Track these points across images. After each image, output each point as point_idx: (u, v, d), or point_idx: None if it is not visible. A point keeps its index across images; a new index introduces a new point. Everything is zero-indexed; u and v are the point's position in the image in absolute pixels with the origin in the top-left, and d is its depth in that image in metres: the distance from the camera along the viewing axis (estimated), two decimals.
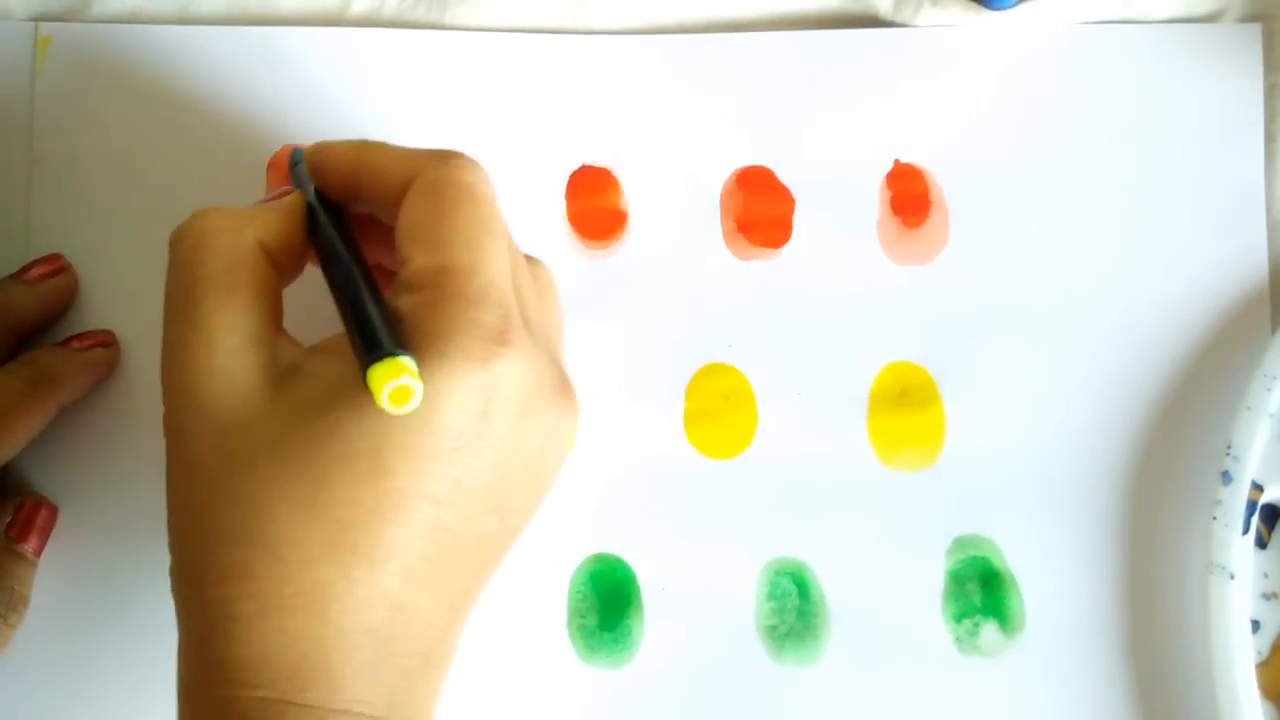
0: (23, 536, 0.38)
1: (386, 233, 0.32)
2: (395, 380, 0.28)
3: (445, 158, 0.32)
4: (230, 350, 0.30)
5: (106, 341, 0.39)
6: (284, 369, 0.31)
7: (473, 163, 0.32)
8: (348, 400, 0.29)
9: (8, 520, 0.38)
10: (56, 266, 0.39)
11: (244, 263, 0.31)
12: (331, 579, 0.29)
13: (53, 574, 0.38)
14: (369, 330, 0.29)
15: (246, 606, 0.29)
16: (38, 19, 0.41)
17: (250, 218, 0.32)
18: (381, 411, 0.28)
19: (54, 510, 0.38)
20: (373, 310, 0.30)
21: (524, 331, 0.30)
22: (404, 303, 0.30)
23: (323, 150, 0.33)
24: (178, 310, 0.31)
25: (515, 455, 0.30)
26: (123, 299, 0.40)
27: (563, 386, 0.32)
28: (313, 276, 0.36)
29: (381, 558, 0.29)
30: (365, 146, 0.33)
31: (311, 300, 0.34)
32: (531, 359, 0.30)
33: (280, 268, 0.33)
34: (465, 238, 0.30)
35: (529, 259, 0.34)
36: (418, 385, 0.28)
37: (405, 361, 0.28)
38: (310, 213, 0.33)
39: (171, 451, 0.31)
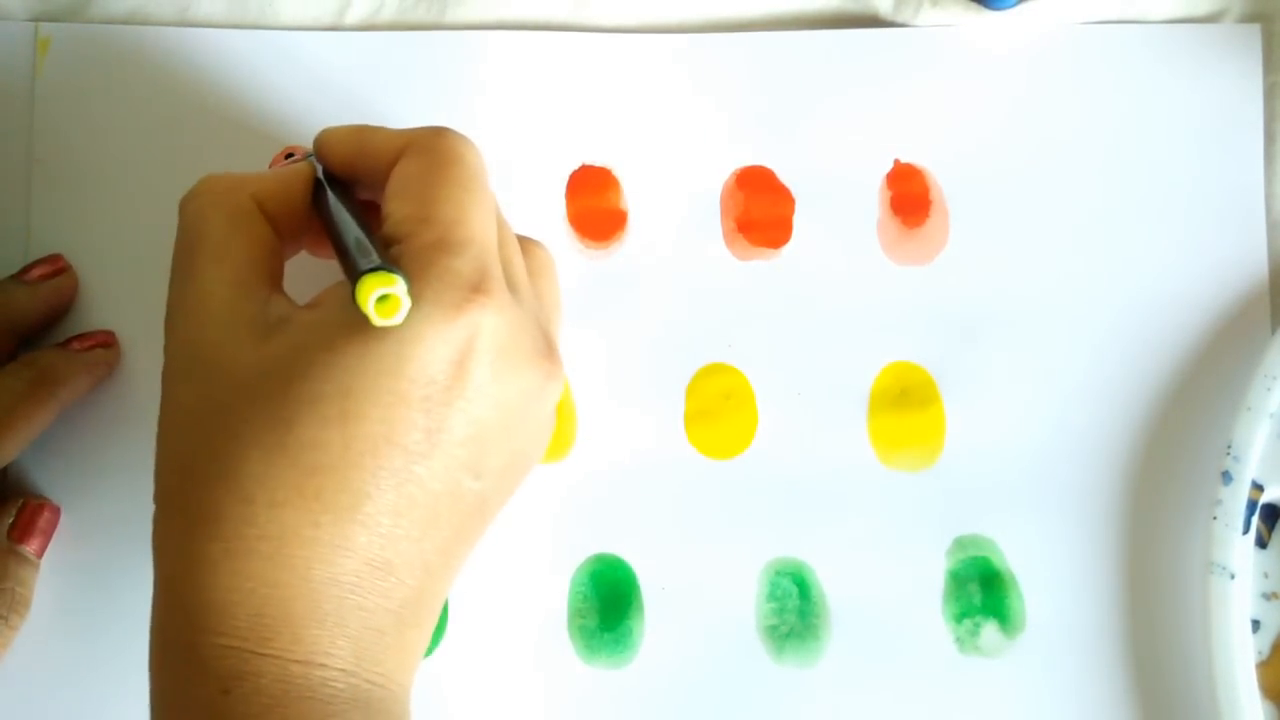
0: (24, 538, 0.38)
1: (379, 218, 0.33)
2: (383, 288, 0.28)
3: (437, 129, 0.33)
4: (221, 301, 0.31)
5: (106, 342, 0.39)
6: (273, 321, 0.31)
7: (463, 136, 0.33)
8: (323, 343, 0.29)
9: (9, 521, 0.38)
10: (57, 267, 0.39)
11: (240, 219, 0.32)
12: (297, 524, 0.29)
13: (52, 574, 0.38)
14: (357, 249, 0.30)
15: (213, 549, 0.29)
16: (38, 19, 0.41)
17: (249, 179, 0.33)
18: (352, 354, 0.29)
19: (56, 511, 0.39)
20: (367, 236, 0.31)
21: (504, 288, 0.31)
22: (386, 254, 0.31)
23: (325, 134, 0.35)
24: (178, 266, 0.32)
25: (491, 412, 0.30)
26: (123, 299, 0.40)
27: (546, 350, 0.32)
28: (317, 272, 0.36)
29: (349, 505, 0.29)
30: (363, 129, 0.34)
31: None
32: (510, 314, 0.30)
33: (279, 228, 0.33)
34: (450, 194, 0.31)
35: (527, 239, 0.35)
36: (406, 298, 0.28)
37: (393, 273, 0.28)
38: (316, 186, 0.34)
39: (163, 397, 0.32)
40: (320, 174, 0.35)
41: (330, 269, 0.36)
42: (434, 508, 0.30)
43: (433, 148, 0.32)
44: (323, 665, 0.29)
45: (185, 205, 0.33)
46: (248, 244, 0.32)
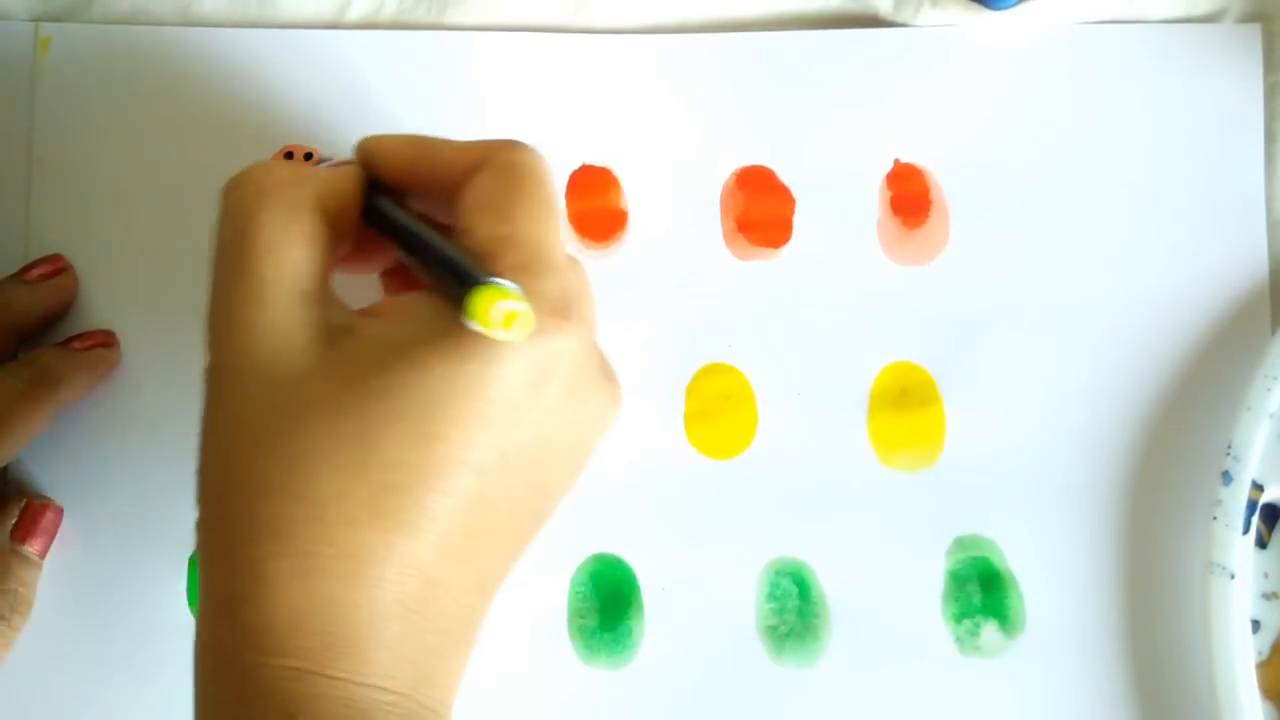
0: (27, 538, 0.38)
1: (440, 231, 0.32)
2: (507, 303, 0.27)
3: (514, 144, 0.32)
4: (282, 302, 0.30)
5: (106, 341, 0.39)
6: (335, 328, 0.30)
7: (539, 151, 0.32)
8: (404, 360, 0.28)
9: (12, 522, 0.38)
10: (57, 266, 0.39)
11: (302, 216, 0.31)
12: (370, 543, 0.28)
13: (52, 574, 0.38)
14: (460, 262, 0.29)
15: (281, 566, 0.28)
16: (38, 19, 0.41)
17: (310, 175, 0.32)
18: (437, 374, 0.28)
19: (59, 512, 0.38)
20: (457, 249, 0.30)
21: (581, 314, 0.30)
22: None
23: (376, 142, 0.33)
24: (230, 257, 0.30)
25: (560, 434, 0.30)
26: (123, 299, 0.40)
27: (611, 374, 0.32)
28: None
29: (423, 525, 0.28)
30: (422, 139, 0.33)
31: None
32: (584, 339, 0.30)
33: (335, 231, 0.32)
34: (535, 214, 0.30)
35: (569, 256, 0.34)
36: (531, 310, 0.27)
37: (514, 289, 0.27)
38: (366, 195, 0.33)
39: (212, 399, 0.30)
40: (368, 183, 0.33)
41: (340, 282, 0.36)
42: (497, 527, 0.30)
43: (512, 162, 0.31)
44: (384, 689, 0.28)
45: (234, 192, 0.31)
46: (308, 245, 0.30)
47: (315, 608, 0.28)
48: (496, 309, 0.27)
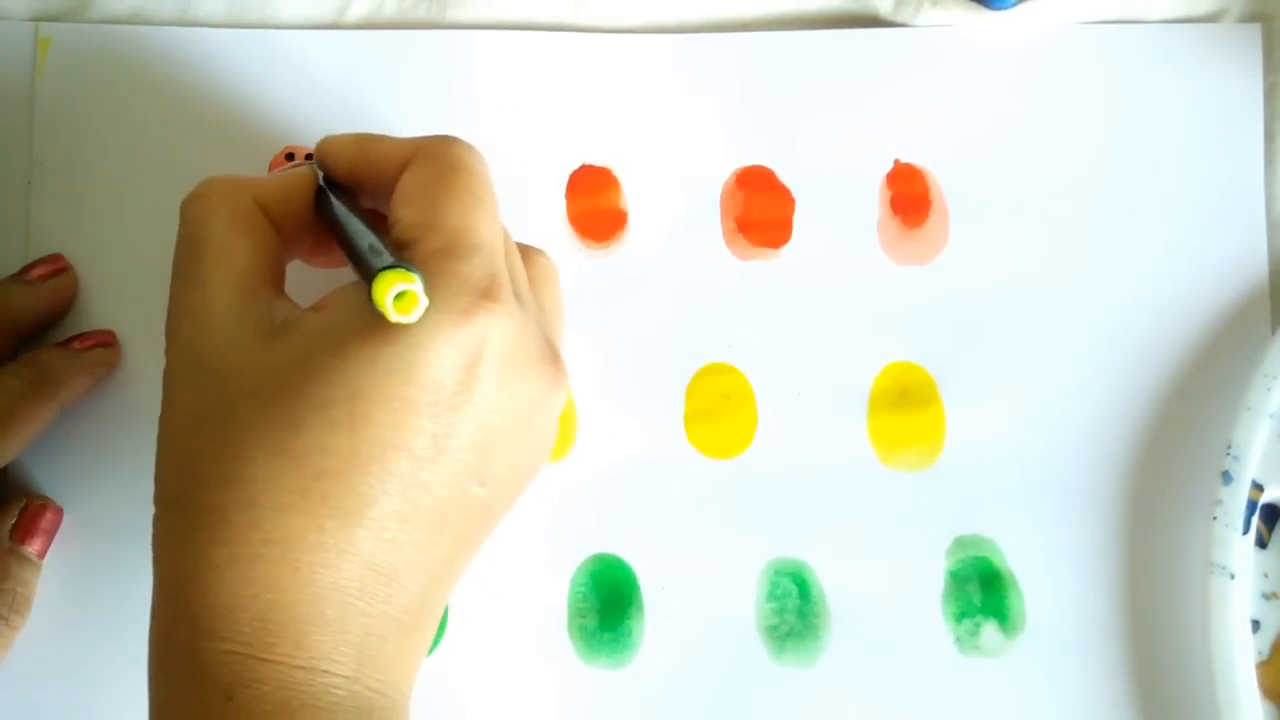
0: (26, 538, 0.38)
1: (386, 225, 0.32)
2: (401, 285, 0.28)
3: (444, 138, 0.33)
4: (225, 304, 0.31)
5: (107, 341, 0.39)
6: (278, 324, 0.31)
7: (469, 144, 0.33)
8: (331, 346, 0.29)
9: (11, 522, 0.38)
10: (57, 266, 0.39)
11: (243, 222, 0.32)
12: (302, 528, 0.29)
13: (52, 573, 0.38)
14: (371, 249, 0.30)
15: (217, 553, 0.29)
16: (38, 19, 0.41)
17: (251, 182, 0.33)
18: (361, 358, 0.29)
19: (59, 512, 0.38)
20: (378, 237, 0.31)
21: (511, 295, 0.31)
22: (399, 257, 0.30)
23: (327, 142, 0.35)
24: (180, 267, 0.32)
25: (498, 419, 0.30)
26: (123, 299, 0.40)
27: (551, 357, 0.32)
28: (320, 279, 0.36)
29: (355, 509, 0.29)
30: (366, 137, 0.34)
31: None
32: (517, 321, 0.30)
33: (281, 232, 0.33)
34: (458, 200, 0.31)
35: (530, 248, 0.35)
36: (423, 295, 0.28)
37: (410, 271, 0.28)
38: (318, 192, 0.34)
39: (165, 398, 0.32)
40: (321, 180, 0.34)
41: (324, 276, 0.36)
42: (439, 514, 0.30)
43: (440, 155, 0.32)
44: (325, 672, 0.29)
45: (187, 207, 0.33)
46: (251, 247, 0.32)
47: (251, 593, 0.29)
48: (391, 292, 0.28)
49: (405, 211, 0.31)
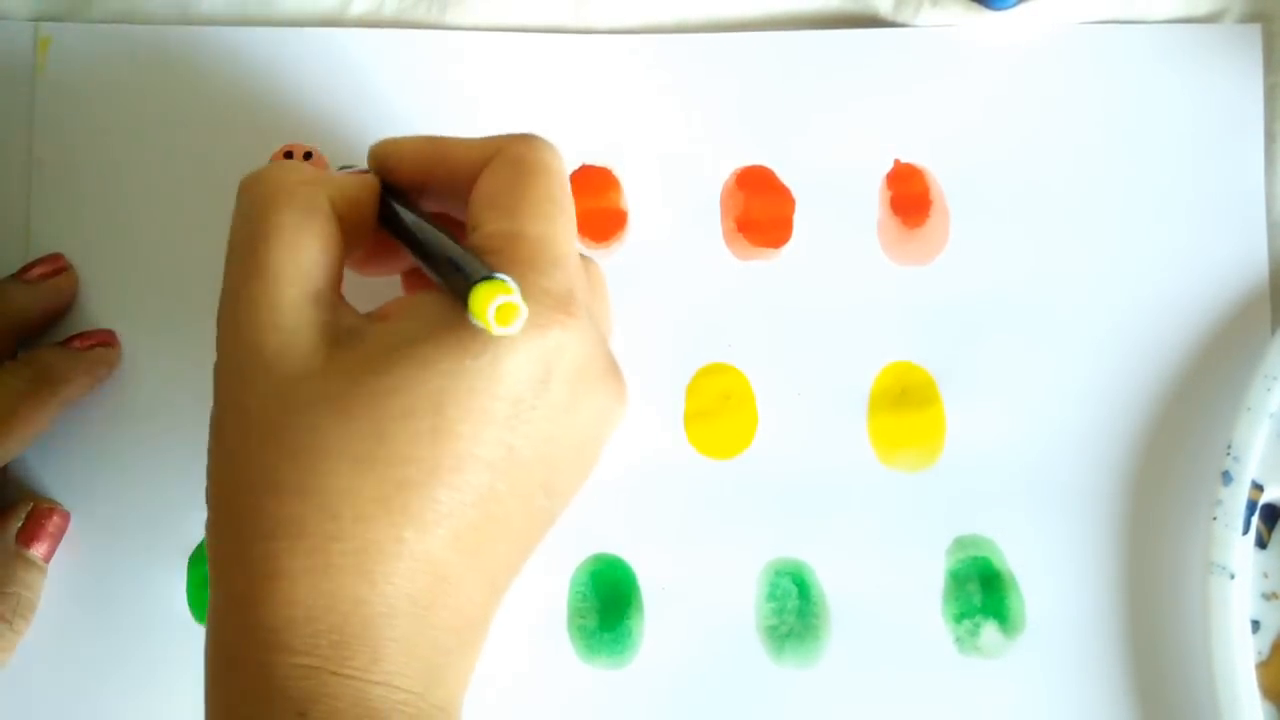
0: (32, 541, 0.38)
1: (455, 228, 0.32)
2: (502, 297, 0.27)
3: (526, 137, 0.32)
4: (294, 302, 0.30)
5: (107, 341, 0.39)
6: (344, 330, 0.30)
7: (551, 144, 0.32)
8: (413, 358, 0.29)
9: (17, 525, 0.38)
10: (57, 266, 0.39)
11: (316, 218, 0.31)
12: (382, 539, 0.28)
13: (52, 573, 0.38)
14: (462, 259, 0.29)
15: (293, 564, 0.28)
16: (38, 19, 0.41)
17: (325, 177, 0.32)
18: (445, 370, 0.28)
19: (66, 516, 0.38)
20: (461, 247, 0.30)
21: (585, 309, 0.30)
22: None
23: (392, 144, 0.34)
24: (243, 255, 0.30)
25: (567, 431, 0.30)
26: (123, 299, 0.40)
27: (615, 371, 0.32)
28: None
29: (433, 520, 0.28)
30: (437, 139, 0.33)
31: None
32: (590, 335, 0.30)
33: (347, 235, 0.32)
34: (542, 209, 0.30)
35: (583, 256, 0.34)
36: (523, 306, 0.28)
37: (507, 282, 0.28)
38: (381, 199, 0.33)
39: (222, 398, 0.30)
40: (381, 186, 0.33)
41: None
42: (508, 524, 0.30)
43: (522, 157, 0.31)
44: (397, 688, 0.28)
45: (252, 188, 0.31)
46: (322, 246, 0.31)
47: (327, 605, 0.28)
48: (492, 304, 0.27)
49: (486, 217, 0.31)
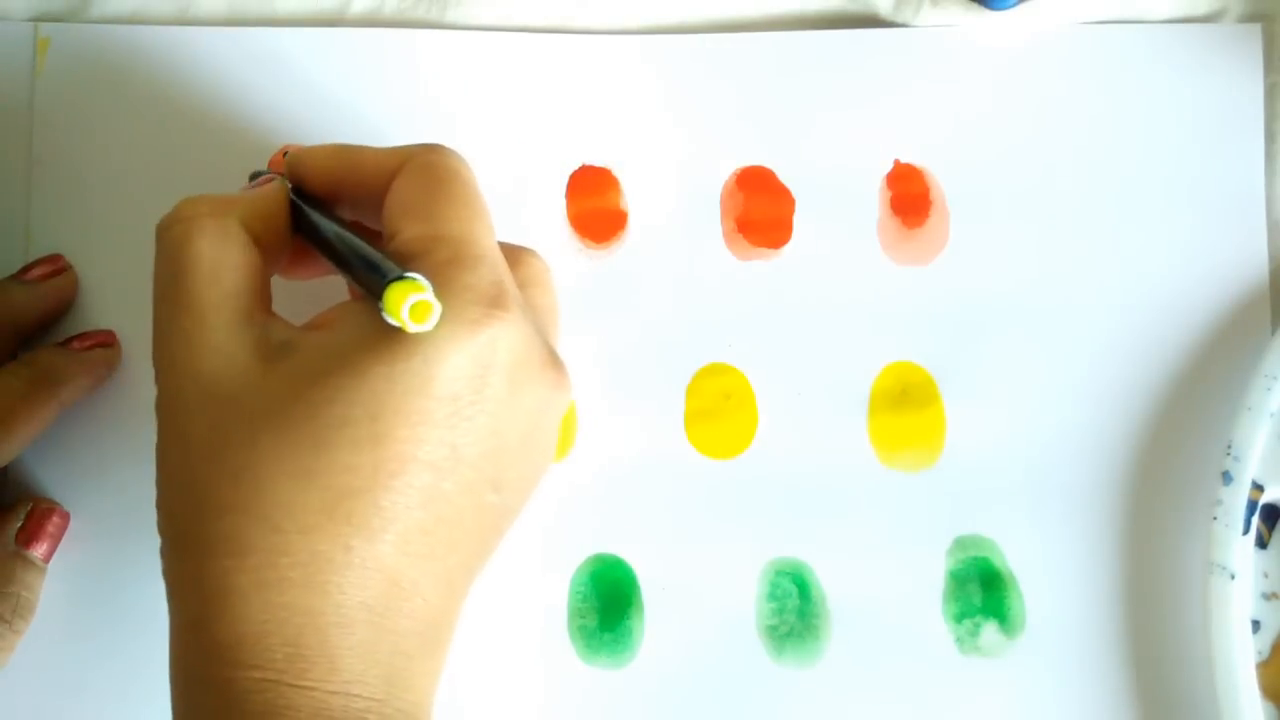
0: (32, 542, 0.38)
1: (371, 237, 0.32)
2: (415, 295, 0.28)
3: (431, 146, 0.32)
4: (221, 327, 0.30)
5: (107, 341, 0.39)
6: (276, 345, 0.31)
7: (457, 152, 0.32)
8: (346, 366, 0.29)
9: (17, 525, 0.38)
10: (57, 266, 0.39)
11: (230, 243, 0.31)
12: (329, 550, 0.28)
13: (52, 573, 0.38)
14: (377, 261, 0.30)
15: (242, 580, 0.28)
16: (38, 19, 0.41)
17: (234, 202, 0.33)
18: (379, 375, 0.28)
19: (66, 517, 0.38)
20: (375, 250, 0.30)
21: (517, 303, 0.31)
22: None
23: (305, 154, 0.34)
24: (167, 293, 0.31)
25: (510, 424, 0.30)
26: (123, 299, 0.40)
27: (553, 360, 0.32)
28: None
29: (379, 526, 0.29)
30: (347, 147, 0.34)
31: (296, 307, 0.34)
32: (523, 328, 0.30)
33: (265, 250, 0.33)
34: (457, 212, 0.31)
35: (523, 249, 0.34)
36: (436, 302, 0.28)
37: (420, 280, 0.28)
38: (294, 207, 0.34)
39: (163, 428, 0.31)
40: (291, 193, 0.34)
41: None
42: (459, 524, 0.30)
43: (432, 164, 0.32)
44: (357, 696, 0.28)
45: (166, 231, 0.32)
46: (240, 266, 0.31)
47: (281, 618, 0.28)
48: (406, 303, 0.28)
49: (403, 223, 0.31)
